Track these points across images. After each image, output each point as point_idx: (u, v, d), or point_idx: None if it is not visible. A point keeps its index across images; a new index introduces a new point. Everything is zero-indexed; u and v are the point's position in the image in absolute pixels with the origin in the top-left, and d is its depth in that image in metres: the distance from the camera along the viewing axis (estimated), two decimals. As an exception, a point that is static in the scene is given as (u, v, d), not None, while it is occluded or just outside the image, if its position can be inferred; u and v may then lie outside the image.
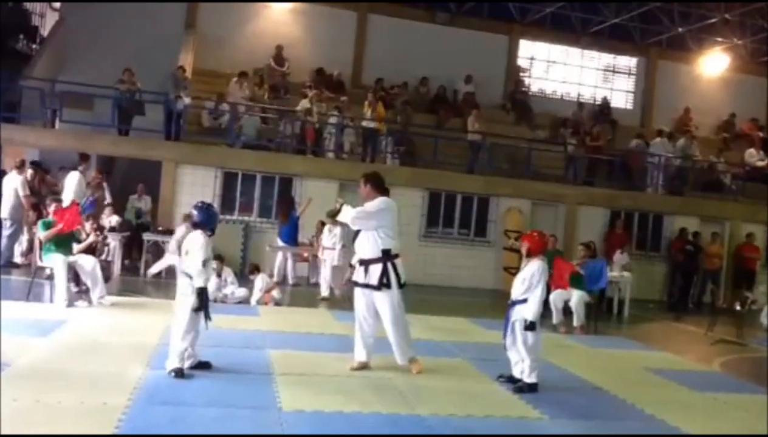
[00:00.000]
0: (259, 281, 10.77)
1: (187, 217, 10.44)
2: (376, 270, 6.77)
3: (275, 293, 10.91)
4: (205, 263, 6.20)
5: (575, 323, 10.46)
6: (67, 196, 10.90)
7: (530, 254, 6.91)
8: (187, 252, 6.32)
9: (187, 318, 6.20)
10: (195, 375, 6.19)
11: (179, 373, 6.14)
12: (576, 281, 10.72)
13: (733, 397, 7.32)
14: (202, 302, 6.21)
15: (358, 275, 6.90)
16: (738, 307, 12.20)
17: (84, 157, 12.29)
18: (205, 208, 6.56)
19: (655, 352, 9.64)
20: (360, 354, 6.99)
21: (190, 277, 6.23)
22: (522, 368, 6.74)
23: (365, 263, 6.84)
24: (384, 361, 7.03)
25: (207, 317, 6.31)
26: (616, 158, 17.69)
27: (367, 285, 6.83)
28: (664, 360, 9.12)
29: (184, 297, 6.25)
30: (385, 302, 6.81)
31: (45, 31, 18.42)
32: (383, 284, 6.75)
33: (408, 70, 18.92)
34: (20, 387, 5.42)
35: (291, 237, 13.10)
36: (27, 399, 5.20)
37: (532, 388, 6.63)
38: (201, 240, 6.30)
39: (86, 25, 17.16)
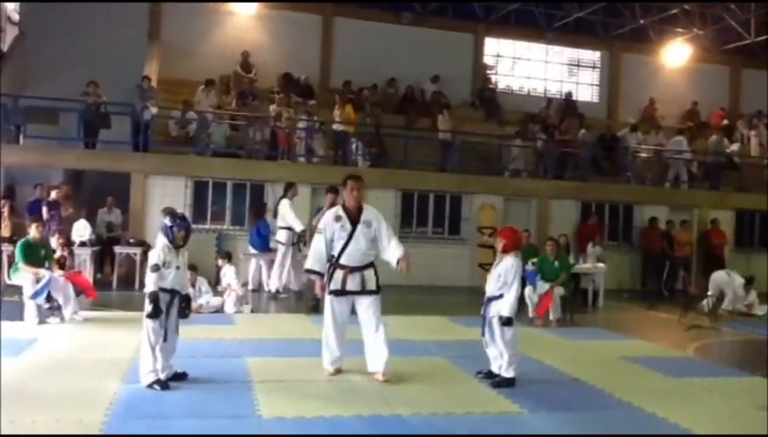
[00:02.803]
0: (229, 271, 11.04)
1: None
2: (371, 275, 6.79)
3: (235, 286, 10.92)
4: (155, 268, 6.11)
5: (551, 316, 10.53)
6: (291, 221, 12.02)
7: (505, 250, 6.93)
8: None
9: (145, 331, 6.12)
10: (171, 387, 6.12)
11: (163, 385, 6.07)
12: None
13: (708, 381, 7.44)
14: (155, 308, 6.05)
15: (352, 282, 6.73)
16: (709, 293, 12.40)
17: (290, 185, 12.74)
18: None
19: (630, 341, 9.76)
20: (338, 360, 6.95)
21: None
22: (501, 363, 6.78)
23: (360, 269, 6.75)
24: (358, 364, 6.94)
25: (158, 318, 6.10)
26: (584, 151, 17.86)
27: (365, 292, 6.76)
28: (640, 348, 9.23)
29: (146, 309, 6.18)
30: (374, 305, 6.80)
31: (5, 46, 18.10)
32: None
33: (375, 71, 18.90)
34: (-7, 409, 5.32)
35: (261, 243, 13.00)
36: (1, 421, 5.10)
37: (510, 383, 6.68)
38: (157, 245, 6.31)
39: (47, 38, 16.88)
